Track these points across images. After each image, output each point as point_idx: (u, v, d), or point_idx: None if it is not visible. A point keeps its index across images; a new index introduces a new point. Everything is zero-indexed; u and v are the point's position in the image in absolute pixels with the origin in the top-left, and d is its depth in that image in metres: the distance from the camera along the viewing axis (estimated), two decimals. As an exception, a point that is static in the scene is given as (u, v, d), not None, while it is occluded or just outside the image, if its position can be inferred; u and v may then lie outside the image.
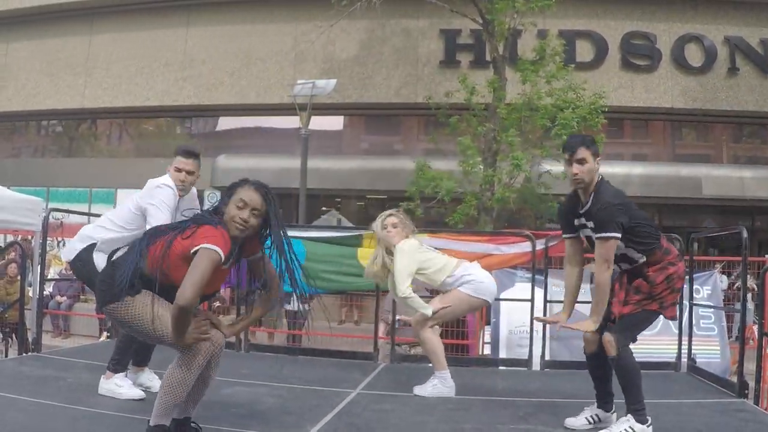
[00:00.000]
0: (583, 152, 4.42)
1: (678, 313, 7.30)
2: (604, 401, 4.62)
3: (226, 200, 3.78)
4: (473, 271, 5.75)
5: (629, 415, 4.31)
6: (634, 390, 4.30)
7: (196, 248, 3.55)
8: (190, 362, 3.70)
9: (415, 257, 5.63)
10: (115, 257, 3.89)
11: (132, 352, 5.20)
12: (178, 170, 5.32)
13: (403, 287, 5.52)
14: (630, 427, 4.29)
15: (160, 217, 4.96)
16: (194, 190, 5.60)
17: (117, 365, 5.11)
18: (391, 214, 5.83)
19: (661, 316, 4.55)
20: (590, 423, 4.55)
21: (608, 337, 4.31)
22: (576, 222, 4.58)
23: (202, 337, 3.67)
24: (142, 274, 3.70)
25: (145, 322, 3.70)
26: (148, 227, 4.70)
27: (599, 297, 4.41)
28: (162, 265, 3.63)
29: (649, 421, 4.31)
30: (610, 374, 4.53)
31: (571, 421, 4.57)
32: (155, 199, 5.07)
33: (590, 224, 4.43)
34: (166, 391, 3.74)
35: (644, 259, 4.44)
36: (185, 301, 3.47)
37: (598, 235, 4.35)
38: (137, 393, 5.02)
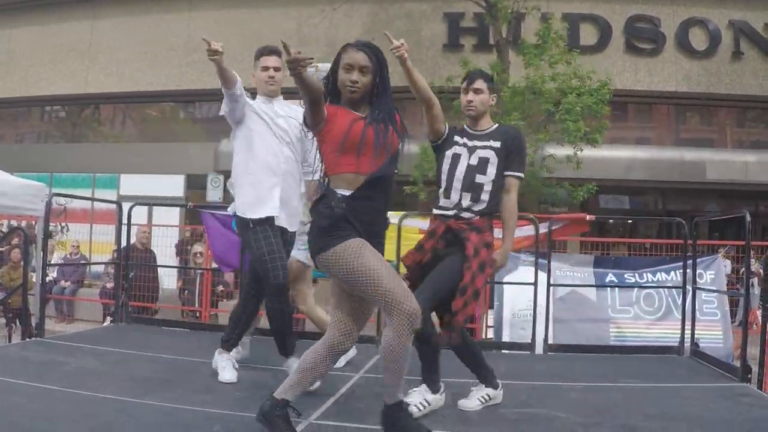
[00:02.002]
0: (480, 83, 4.68)
1: (682, 297, 7.36)
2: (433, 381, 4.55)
3: (336, 68, 3.82)
4: None
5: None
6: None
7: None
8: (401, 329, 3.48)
9: None
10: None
11: (240, 329, 5.32)
12: (265, 68, 5.49)
13: None
14: (486, 394, 4.52)
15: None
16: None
17: (226, 342, 5.27)
18: None
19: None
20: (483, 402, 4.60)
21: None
22: (460, 141, 4.68)
23: None
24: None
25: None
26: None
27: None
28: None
29: (500, 385, 4.55)
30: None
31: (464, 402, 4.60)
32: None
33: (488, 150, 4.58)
34: (390, 359, 3.58)
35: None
36: None
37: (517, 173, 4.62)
38: (228, 376, 5.08)
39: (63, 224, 17.87)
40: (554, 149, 14.07)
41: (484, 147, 4.59)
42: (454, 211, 4.51)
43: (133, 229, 8.53)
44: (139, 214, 8.03)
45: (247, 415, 4.27)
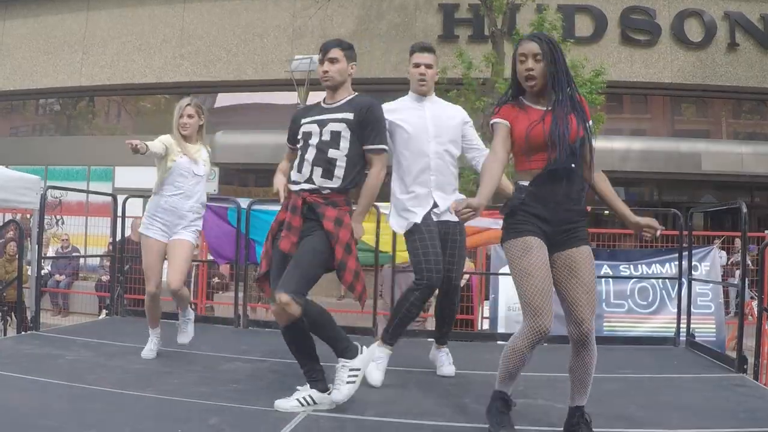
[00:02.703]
0: (336, 52, 4.57)
1: (677, 289, 7.36)
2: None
3: (514, 65, 3.85)
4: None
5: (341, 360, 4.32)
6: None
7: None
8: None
9: None
10: None
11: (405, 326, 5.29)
12: (417, 65, 5.34)
13: None
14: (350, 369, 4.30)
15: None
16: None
17: (389, 336, 5.27)
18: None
19: None
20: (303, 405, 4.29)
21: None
22: (309, 119, 4.58)
23: None
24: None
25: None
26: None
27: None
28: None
29: (360, 349, 4.36)
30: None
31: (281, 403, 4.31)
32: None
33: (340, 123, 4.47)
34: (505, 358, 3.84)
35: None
36: None
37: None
38: (374, 378, 5.02)
39: (58, 217, 17.83)
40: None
41: (336, 120, 4.47)
42: (310, 186, 4.38)
43: (129, 222, 8.51)
44: (135, 207, 8.00)
45: (245, 407, 4.27)
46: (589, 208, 8.83)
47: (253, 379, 4.78)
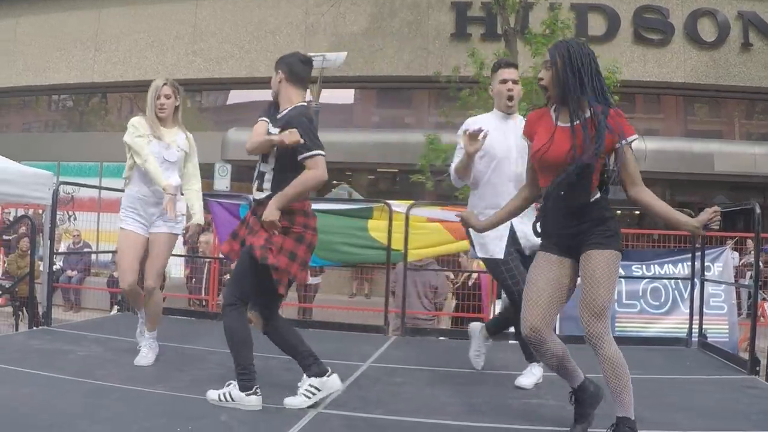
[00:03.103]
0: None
1: (690, 289, 7.32)
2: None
3: None
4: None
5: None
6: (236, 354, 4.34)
7: None
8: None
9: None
10: None
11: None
12: (504, 81, 5.16)
13: None
14: (309, 386, 4.30)
15: None
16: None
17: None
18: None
19: None
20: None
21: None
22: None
23: None
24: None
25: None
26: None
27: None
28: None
29: (329, 371, 4.32)
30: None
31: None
32: None
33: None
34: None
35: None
36: None
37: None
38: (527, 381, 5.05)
39: (70, 213, 17.89)
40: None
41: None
42: (256, 198, 4.46)
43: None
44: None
45: (255, 404, 4.27)
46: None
47: (264, 377, 4.77)
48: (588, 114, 3.63)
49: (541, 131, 3.75)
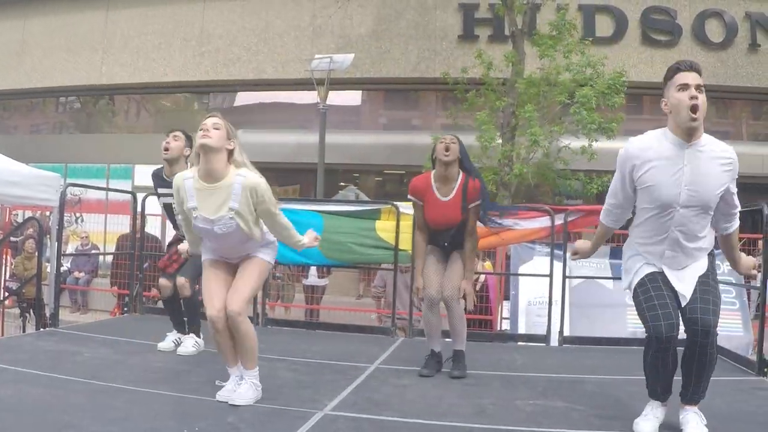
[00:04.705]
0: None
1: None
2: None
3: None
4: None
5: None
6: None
7: None
8: None
9: None
10: None
11: None
12: (684, 87, 3.83)
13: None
14: (196, 341, 5.89)
15: None
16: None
17: None
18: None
19: None
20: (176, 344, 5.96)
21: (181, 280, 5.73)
22: None
23: None
24: None
25: None
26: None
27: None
28: None
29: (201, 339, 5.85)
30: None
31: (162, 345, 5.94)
32: None
33: None
34: None
35: None
36: None
37: None
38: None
39: (77, 214, 17.92)
40: (570, 141, 14.00)
41: None
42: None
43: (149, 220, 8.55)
44: (154, 205, 8.01)
45: (260, 405, 4.27)
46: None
47: (270, 378, 4.77)
48: None
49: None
